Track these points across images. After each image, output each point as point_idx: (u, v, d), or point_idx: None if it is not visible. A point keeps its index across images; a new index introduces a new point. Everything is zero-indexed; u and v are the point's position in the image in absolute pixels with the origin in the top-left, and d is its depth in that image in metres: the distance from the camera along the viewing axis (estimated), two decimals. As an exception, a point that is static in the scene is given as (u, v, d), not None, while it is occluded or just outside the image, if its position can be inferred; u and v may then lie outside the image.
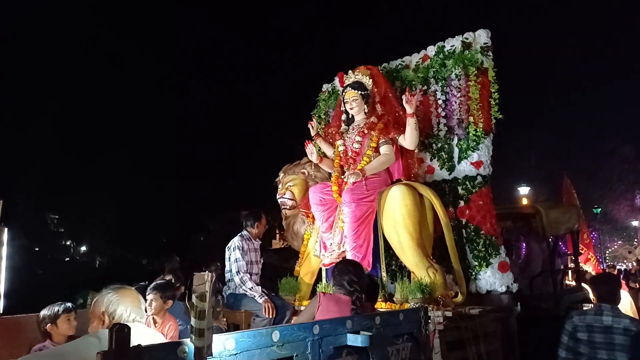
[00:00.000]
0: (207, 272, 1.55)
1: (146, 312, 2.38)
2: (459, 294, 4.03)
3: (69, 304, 2.99)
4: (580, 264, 7.05)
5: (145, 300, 2.78)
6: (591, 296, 6.29)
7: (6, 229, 3.19)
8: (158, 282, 3.40)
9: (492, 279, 4.24)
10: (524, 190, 16.69)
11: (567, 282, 6.85)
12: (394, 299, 3.88)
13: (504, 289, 4.23)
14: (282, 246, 13.94)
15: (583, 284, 6.45)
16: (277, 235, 16.22)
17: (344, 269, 2.91)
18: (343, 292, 2.81)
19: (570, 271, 7.00)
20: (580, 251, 7.08)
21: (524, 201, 14.91)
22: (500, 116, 4.46)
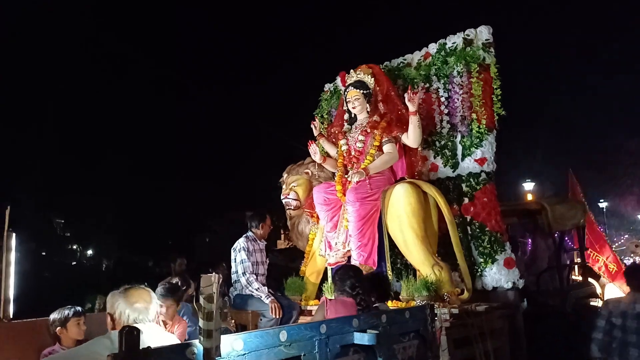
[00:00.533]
0: (214, 273, 1.56)
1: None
2: (465, 291, 4.04)
3: (78, 308, 3.00)
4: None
5: None
6: (598, 291, 6.29)
7: (14, 234, 3.21)
8: (164, 286, 3.40)
9: (497, 275, 4.24)
10: (528, 186, 16.58)
11: (573, 277, 6.83)
12: (400, 297, 3.89)
13: (510, 285, 4.22)
14: (287, 246, 13.95)
15: (589, 279, 6.43)
16: (282, 236, 16.23)
17: (344, 276, 2.94)
18: (345, 296, 2.85)
19: (576, 266, 6.97)
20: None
21: (529, 197, 14.82)
22: (503, 112, 4.45)
